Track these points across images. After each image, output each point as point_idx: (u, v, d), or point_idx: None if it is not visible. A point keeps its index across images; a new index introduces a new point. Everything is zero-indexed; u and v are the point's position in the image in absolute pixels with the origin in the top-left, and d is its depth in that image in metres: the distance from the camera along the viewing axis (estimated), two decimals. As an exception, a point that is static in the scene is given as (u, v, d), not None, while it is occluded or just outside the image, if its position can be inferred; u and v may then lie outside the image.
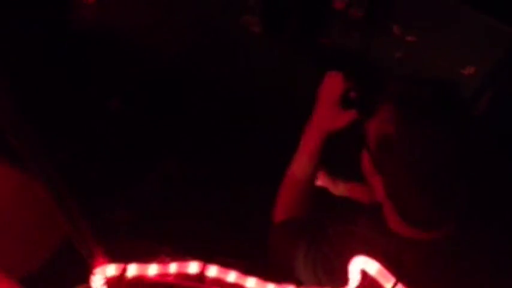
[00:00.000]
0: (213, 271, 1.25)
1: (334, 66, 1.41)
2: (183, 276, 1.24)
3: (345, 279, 1.09)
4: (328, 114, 1.33)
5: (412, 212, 1.06)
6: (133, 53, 3.36)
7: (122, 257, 1.22)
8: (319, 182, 1.87)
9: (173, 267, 1.25)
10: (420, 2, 4.23)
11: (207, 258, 1.24)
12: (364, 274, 1.00)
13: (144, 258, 1.23)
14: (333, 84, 1.32)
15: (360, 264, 0.99)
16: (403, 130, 1.04)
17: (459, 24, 4.11)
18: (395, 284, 0.94)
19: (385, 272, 0.96)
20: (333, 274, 1.14)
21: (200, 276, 1.24)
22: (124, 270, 1.22)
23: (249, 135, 3.01)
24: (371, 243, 1.07)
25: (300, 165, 1.42)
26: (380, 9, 4.15)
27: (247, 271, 1.24)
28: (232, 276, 1.25)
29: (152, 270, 1.25)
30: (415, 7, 4.18)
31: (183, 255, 1.25)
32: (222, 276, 1.25)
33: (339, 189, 1.96)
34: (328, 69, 1.38)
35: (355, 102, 1.31)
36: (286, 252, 1.29)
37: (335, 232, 1.20)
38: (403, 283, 0.94)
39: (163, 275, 1.24)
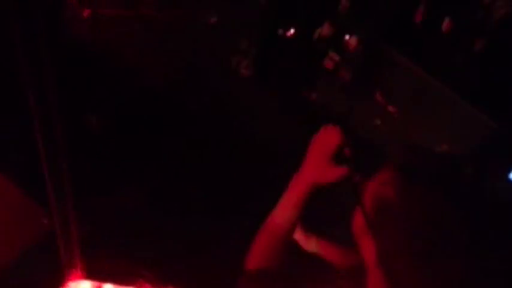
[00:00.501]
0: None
1: (316, 122, 1.39)
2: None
3: None
4: (318, 167, 1.30)
5: (403, 282, 1.00)
6: (120, 73, 3.29)
7: (99, 275, 1.12)
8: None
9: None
10: (406, 76, 4.30)
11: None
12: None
13: (121, 280, 1.14)
14: (328, 138, 1.29)
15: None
16: (405, 196, 1.01)
17: (439, 104, 4.18)
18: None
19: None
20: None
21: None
22: (99, 289, 1.12)
23: (225, 169, 2.94)
24: None
25: (282, 214, 1.36)
26: (367, 75, 4.21)
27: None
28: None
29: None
30: (400, 80, 4.26)
31: (164, 283, 1.16)
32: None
33: (311, 244, 1.90)
34: (310, 123, 1.36)
35: (348, 159, 1.29)
36: None
37: None
38: None
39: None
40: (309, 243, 1.88)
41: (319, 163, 1.30)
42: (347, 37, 4.34)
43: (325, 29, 4.35)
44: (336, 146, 1.27)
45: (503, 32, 3.74)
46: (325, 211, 1.90)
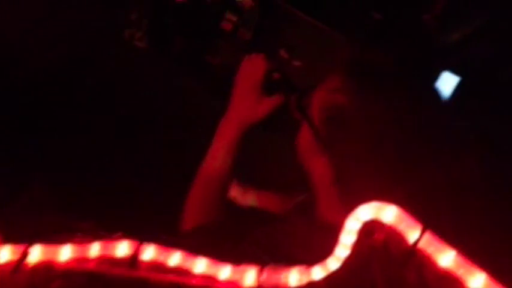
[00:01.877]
0: (149, 253, 0.93)
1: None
2: (108, 261, 0.91)
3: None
4: (248, 102, 1.17)
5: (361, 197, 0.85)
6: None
7: (23, 236, 0.86)
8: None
9: (95, 249, 0.91)
10: (306, 29, 4.27)
11: (141, 236, 0.92)
12: (372, 228, 0.76)
13: (53, 237, 0.88)
14: (252, 68, 1.16)
15: (370, 213, 0.75)
16: (360, 101, 0.88)
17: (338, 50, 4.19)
18: (423, 231, 0.71)
19: (407, 217, 0.73)
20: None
21: (132, 261, 0.91)
22: (25, 253, 0.85)
23: (127, 153, 2.70)
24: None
25: (215, 160, 1.21)
26: (267, 33, 4.12)
27: (194, 250, 0.94)
28: (175, 258, 0.94)
29: (65, 253, 0.89)
30: (301, 34, 4.22)
31: (108, 233, 0.92)
32: (161, 258, 0.93)
33: (248, 198, 1.76)
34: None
35: (280, 82, 1.16)
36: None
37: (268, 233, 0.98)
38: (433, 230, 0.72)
39: (80, 260, 0.89)
40: (247, 198, 1.75)
41: (248, 97, 1.17)
42: (240, -4, 4.20)
43: (216, -11, 4.18)
44: (263, 73, 1.14)
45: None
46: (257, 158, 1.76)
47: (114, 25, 3.72)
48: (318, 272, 0.87)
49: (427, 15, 3.56)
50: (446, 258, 0.72)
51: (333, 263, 0.85)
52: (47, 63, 3.15)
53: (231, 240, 1.06)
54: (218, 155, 1.21)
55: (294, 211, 1.30)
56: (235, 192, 1.71)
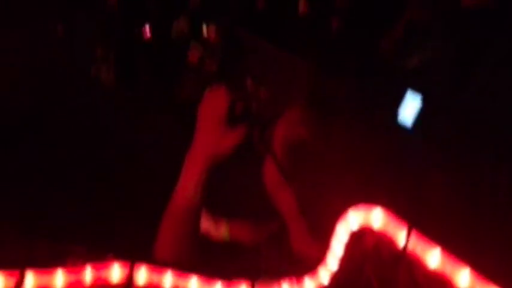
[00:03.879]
0: (143, 274, 0.94)
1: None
2: (103, 285, 0.91)
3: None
4: (214, 134, 1.14)
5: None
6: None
7: (16, 262, 0.86)
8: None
9: (88, 273, 0.92)
10: (269, 58, 4.36)
11: (134, 258, 0.93)
12: (363, 232, 0.80)
13: (46, 263, 0.88)
14: (215, 100, 1.15)
15: (358, 219, 0.79)
16: (320, 131, 0.91)
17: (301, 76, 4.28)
18: (410, 229, 0.75)
19: (393, 218, 0.77)
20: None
21: (127, 283, 0.92)
22: (19, 280, 0.85)
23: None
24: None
25: (184, 192, 1.19)
26: (232, 64, 4.19)
27: (186, 269, 0.96)
28: (168, 279, 0.95)
29: (59, 278, 0.90)
30: (265, 62, 4.30)
31: (101, 256, 0.92)
32: (155, 279, 0.94)
33: (222, 230, 1.76)
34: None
35: (243, 114, 1.16)
36: None
37: None
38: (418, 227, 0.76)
39: (75, 284, 0.90)
40: (219, 229, 1.74)
41: (213, 130, 1.14)
42: (205, 28, 4.27)
43: (181, 23, 4.24)
44: (226, 104, 1.13)
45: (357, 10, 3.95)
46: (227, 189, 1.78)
47: (81, 61, 3.74)
48: (309, 285, 0.89)
49: (385, 40, 3.70)
50: (433, 257, 0.76)
51: (324, 273, 0.87)
52: (13, 100, 3.13)
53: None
54: (187, 188, 1.16)
55: (265, 243, 1.29)
56: (207, 224, 1.70)
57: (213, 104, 1.12)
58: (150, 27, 3.92)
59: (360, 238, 0.81)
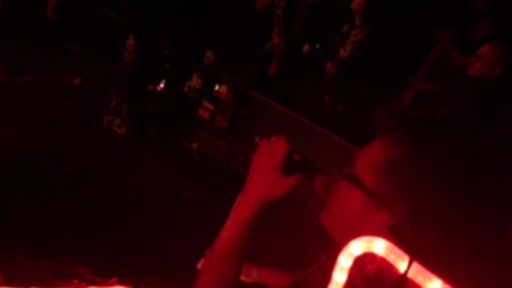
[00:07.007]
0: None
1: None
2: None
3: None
4: (268, 181, 1.19)
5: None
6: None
7: (21, 283, 0.87)
8: None
9: (92, 295, 0.93)
10: (278, 118, 4.45)
11: (136, 281, 0.94)
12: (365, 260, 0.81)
13: (51, 284, 0.90)
14: (274, 149, 1.20)
15: (361, 247, 0.80)
16: (417, 150, 0.89)
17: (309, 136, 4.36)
18: (410, 262, 0.76)
19: (395, 248, 0.78)
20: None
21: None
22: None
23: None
24: None
25: (232, 234, 1.22)
26: (242, 121, 4.29)
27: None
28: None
29: (63, 297, 0.91)
30: (273, 122, 4.39)
31: (105, 278, 0.94)
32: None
33: (253, 275, 1.77)
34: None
35: (300, 163, 1.21)
36: None
37: None
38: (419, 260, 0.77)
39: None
40: (250, 275, 1.75)
41: (269, 176, 1.18)
42: (217, 87, 4.40)
43: (194, 81, 4.37)
44: (285, 153, 1.18)
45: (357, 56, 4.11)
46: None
47: (94, 111, 3.82)
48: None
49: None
50: (434, 286, 0.76)
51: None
52: (26, 150, 3.20)
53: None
54: (234, 230, 1.17)
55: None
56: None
57: (271, 152, 1.16)
58: (165, 82, 4.03)
59: (363, 263, 0.82)
